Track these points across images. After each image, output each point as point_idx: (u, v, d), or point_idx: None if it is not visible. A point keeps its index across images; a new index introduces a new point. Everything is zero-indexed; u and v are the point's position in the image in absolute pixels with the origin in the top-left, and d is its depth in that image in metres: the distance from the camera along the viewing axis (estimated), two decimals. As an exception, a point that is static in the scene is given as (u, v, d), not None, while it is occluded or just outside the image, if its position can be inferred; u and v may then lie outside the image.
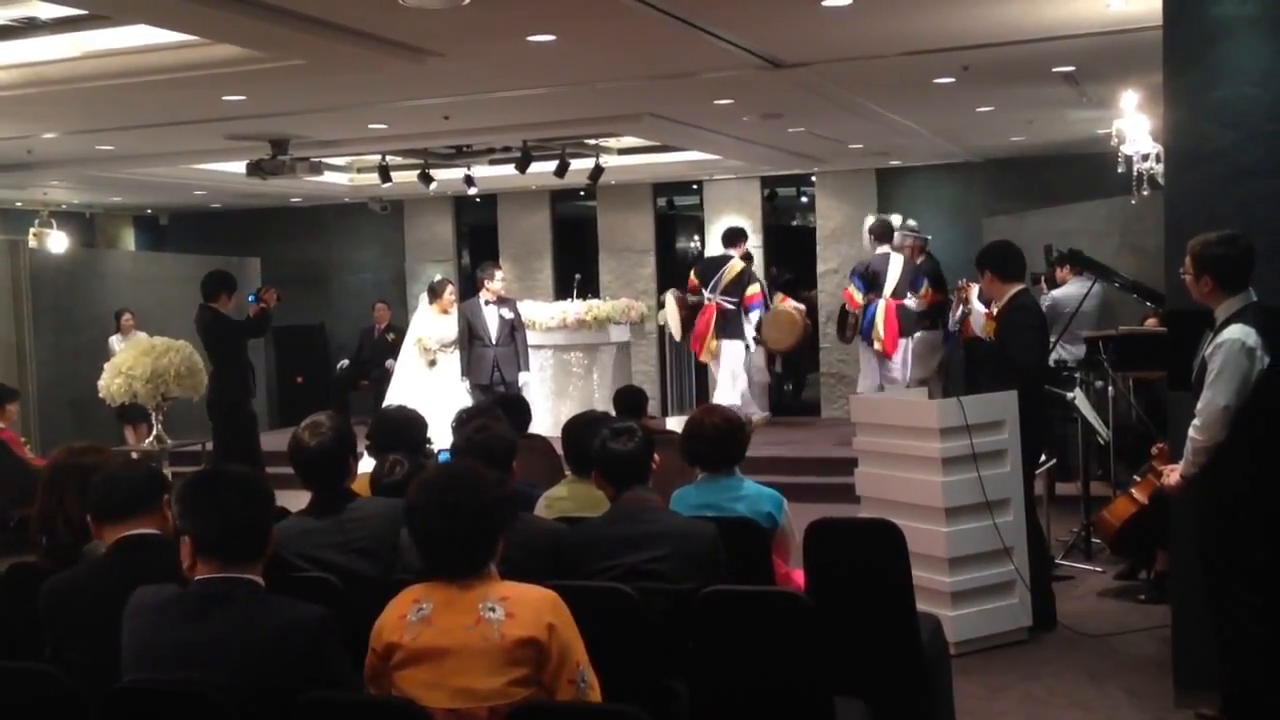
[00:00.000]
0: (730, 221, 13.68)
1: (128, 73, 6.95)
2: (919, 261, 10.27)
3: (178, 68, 6.84)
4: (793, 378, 14.23)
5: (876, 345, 9.97)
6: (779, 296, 11.34)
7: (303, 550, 3.58)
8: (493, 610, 2.64)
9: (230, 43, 6.41)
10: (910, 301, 9.93)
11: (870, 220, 10.53)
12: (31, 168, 11.00)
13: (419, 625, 2.67)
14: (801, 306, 11.28)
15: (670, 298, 11.39)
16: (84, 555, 3.38)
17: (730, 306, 10.68)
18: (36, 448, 9.84)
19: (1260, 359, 4.17)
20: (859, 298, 10.02)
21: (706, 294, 10.77)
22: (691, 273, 11.25)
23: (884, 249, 10.12)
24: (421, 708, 2.58)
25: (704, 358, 10.92)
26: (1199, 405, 4.25)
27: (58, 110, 8.14)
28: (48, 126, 8.96)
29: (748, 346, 10.93)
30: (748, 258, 11.09)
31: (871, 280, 9.98)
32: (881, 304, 9.90)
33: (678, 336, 11.30)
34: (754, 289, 10.77)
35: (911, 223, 10.58)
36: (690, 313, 10.96)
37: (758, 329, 10.93)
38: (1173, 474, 4.45)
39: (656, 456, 3.84)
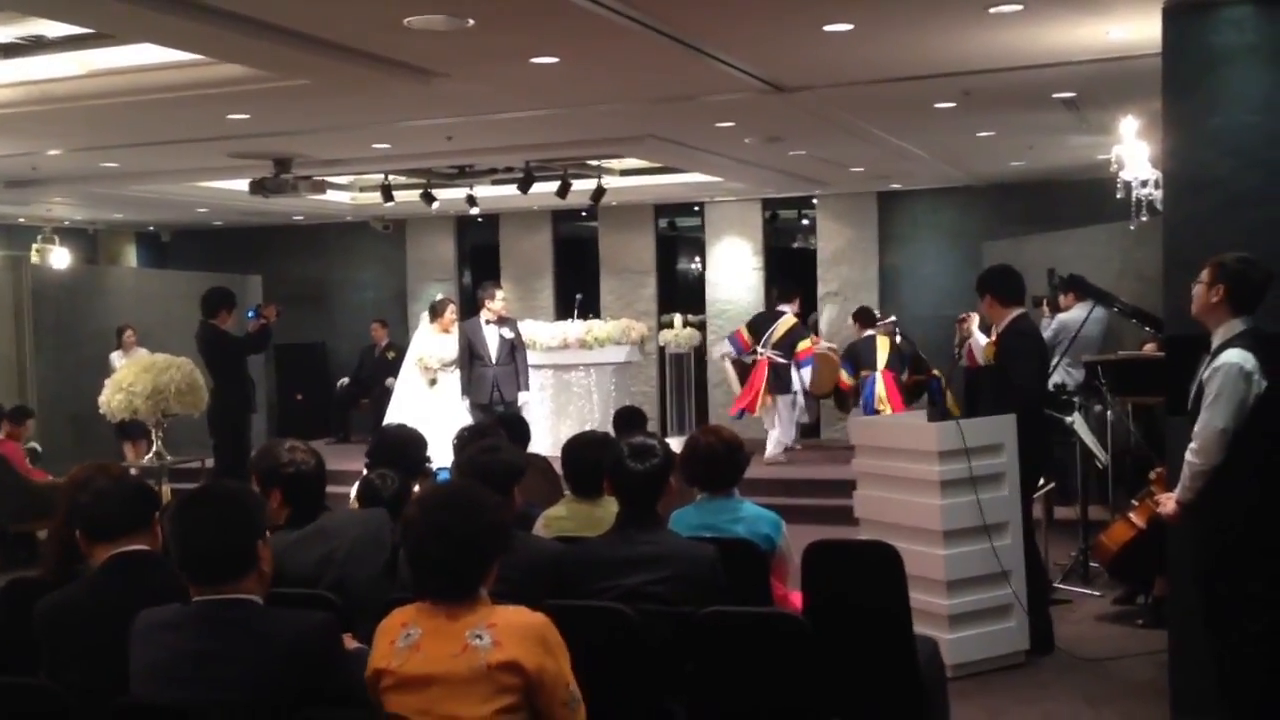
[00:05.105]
0: (732, 243, 13.84)
1: (133, 91, 6.97)
2: (898, 341, 10.88)
3: (182, 86, 6.86)
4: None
5: (886, 413, 10.20)
6: (811, 338, 11.30)
7: (289, 565, 3.58)
8: (480, 638, 2.59)
9: (235, 62, 6.44)
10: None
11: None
12: (35, 184, 11.02)
13: (407, 651, 2.64)
14: (835, 346, 11.51)
15: (727, 362, 11.46)
16: (80, 572, 3.38)
17: (782, 361, 10.76)
18: (35, 462, 9.83)
19: (1257, 383, 4.17)
20: (848, 379, 10.83)
21: (759, 349, 10.84)
22: (743, 328, 11.32)
23: (869, 332, 10.97)
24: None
25: (758, 412, 10.94)
26: (1196, 428, 4.25)
27: (63, 128, 8.17)
28: (52, 144, 8.99)
29: (795, 400, 11.06)
30: (800, 314, 11.18)
31: (855, 360, 10.82)
32: (878, 376, 10.52)
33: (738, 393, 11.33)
34: (805, 344, 10.85)
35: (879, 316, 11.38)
36: (744, 369, 11.02)
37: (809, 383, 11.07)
38: (1169, 502, 4.44)
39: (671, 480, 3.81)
